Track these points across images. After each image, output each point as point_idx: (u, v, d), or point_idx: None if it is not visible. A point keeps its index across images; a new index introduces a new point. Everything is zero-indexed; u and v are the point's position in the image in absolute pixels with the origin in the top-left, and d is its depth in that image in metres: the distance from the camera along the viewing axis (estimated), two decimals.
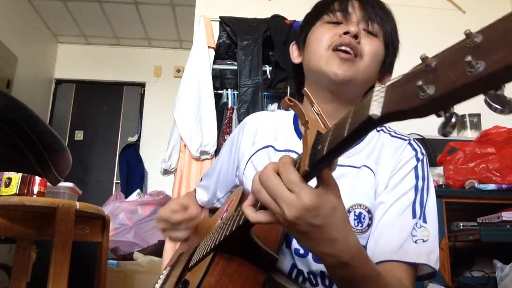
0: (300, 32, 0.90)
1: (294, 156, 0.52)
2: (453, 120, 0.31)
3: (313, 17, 0.87)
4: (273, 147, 0.86)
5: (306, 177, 0.47)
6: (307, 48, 0.85)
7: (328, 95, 0.82)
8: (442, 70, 0.30)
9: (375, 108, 0.36)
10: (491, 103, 0.29)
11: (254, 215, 0.54)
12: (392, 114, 0.34)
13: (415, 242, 0.70)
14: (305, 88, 0.53)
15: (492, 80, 0.27)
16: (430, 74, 0.31)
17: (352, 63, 0.77)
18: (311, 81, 0.86)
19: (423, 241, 0.70)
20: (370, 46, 0.79)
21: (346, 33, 0.77)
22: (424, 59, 0.32)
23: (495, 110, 0.29)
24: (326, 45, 0.79)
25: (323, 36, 0.81)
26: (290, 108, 0.53)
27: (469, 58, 0.28)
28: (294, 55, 0.91)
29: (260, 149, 0.87)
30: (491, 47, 0.27)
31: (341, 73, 0.76)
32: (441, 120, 0.33)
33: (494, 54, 0.27)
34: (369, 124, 0.37)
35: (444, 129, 0.32)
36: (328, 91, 0.81)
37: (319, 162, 0.44)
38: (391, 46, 0.84)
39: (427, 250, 0.70)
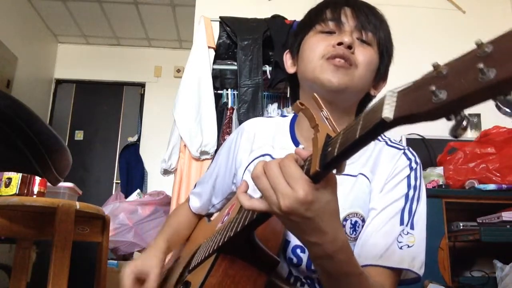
0: (293, 40, 0.89)
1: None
2: (464, 122, 0.33)
3: (306, 26, 0.85)
4: (270, 155, 0.85)
5: (315, 178, 0.48)
6: (301, 58, 0.84)
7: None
8: (454, 76, 0.32)
9: (388, 112, 0.37)
10: (501, 106, 0.31)
11: (248, 202, 0.55)
12: (404, 117, 0.36)
13: (400, 248, 0.71)
14: (314, 94, 0.54)
15: (503, 86, 0.29)
16: (442, 80, 0.33)
17: (346, 71, 0.76)
18: (305, 90, 0.85)
19: (408, 246, 0.71)
20: (364, 56, 0.78)
21: (339, 43, 0.77)
22: (436, 66, 0.34)
23: (504, 113, 0.31)
24: (320, 55, 0.78)
25: (317, 46, 0.80)
26: (301, 112, 0.54)
27: (481, 65, 0.30)
28: (288, 64, 0.90)
29: (257, 157, 0.86)
30: (501, 56, 0.29)
31: (336, 80, 0.76)
32: (443, 121, 0.34)
33: (505, 62, 0.29)
34: (381, 127, 0.39)
35: (456, 131, 0.34)
36: (323, 100, 0.81)
37: (330, 163, 0.46)
38: (385, 53, 0.84)
39: (411, 255, 0.71)
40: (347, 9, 0.81)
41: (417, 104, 0.35)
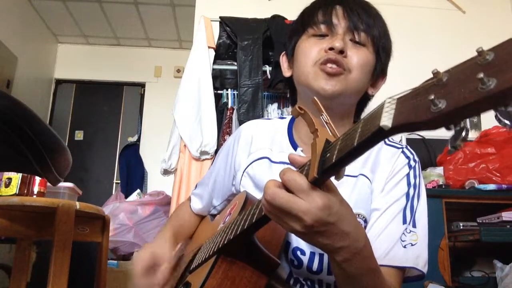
0: (288, 42, 0.88)
1: (290, 167, 0.53)
2: (463, 134, 0.32)
3: (299, 28, 0.85)
4: (269, 158, 0.85)
5: (315, 184, 0.48)
6: (295, 62, 0.84)
7: None
8: (453, 85, 0.31)
9: (386, 120, 0.37)
10: (501, 119, 0.30)
11: None
12: (402, 125, 0.35)
13: (404, 247, 0.71)
14: (314, 97, 0.54)
15: (503, 97, 0.28)
16: (442, 88, 0.32)
17: (339, 77, 0.76)
18: (301, 94, 0.85)
19: (412, 245, 0.72)
20: (358, 58, 0.77)
21: (331, 48, 0.76)
22: (435, 73, 0.33)
23: (504, 125, 0.30)
24: (313, 61, 0.78)
25: (310, 52, 0.79)
26: (300, 116, 0.53)
27: (481, 75, 0.28)
28: (284, 67, 0.90)
29: (255, 160, 0.86)
30: (502, 65, 0.28)
31: (329, 88, 0.75)
32: (451, 133, 0.33)
33: (506, 72, 0.27)
34: (379, 135, 0.38)
35: (455, 142, 0.33)
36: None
37: (328, 169, 0.45)
38: (381, 51, 0.82)
39: (415, 253, 0.71)
40: (338, 8, 0.80)
41: (415, 112, 0.34)
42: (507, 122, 0.29)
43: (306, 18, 0.84)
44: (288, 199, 0.49)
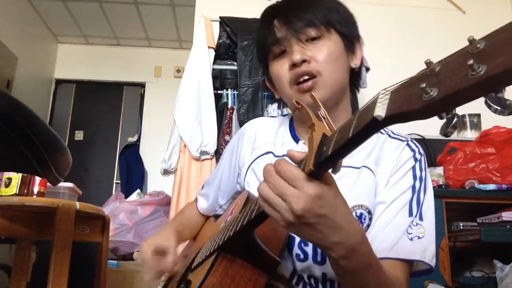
0: (263, 63, 0.89)
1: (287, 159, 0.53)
2: (455, 121, 0.33)
3: (263, 50, 0.85)
4: (272, 153, 0.86)
5: (312, 177, 0.48)
6: (275, 85, 0.86)
7: None
8: (445, 73, 0.32)
9: (380, 110, 0.37)
10: (491, 104, 0.30)
11: None
12: (396, 115, 0.36)
13: (411, 239, 0.71)
14: (311, 92, 0.55)
15: (493, 83, 0.29)
16: (434, 77, 0.33)
17: (315, 86, 0.77)
18: None
19: (419, 237, 0.71)
20: (321, 55, 0.78)
21: (294, 65, 0.77)
22: (428, 64, 0.34)
23: (494, 111, 0.30)
24: (287, 84, 0.80)
25: (280, 75, 0.81)
26: (297, 111, 0.54)
27: (471, 61, 0.29)
28: (273, 90, 0.91)
29: (260, 156, 0.87)
30: (492, 52, 0.29)
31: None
32: (442, 121, 0.34)
33: (495, 58, 0.28)
34: (373, 126, 0.39)
35: (446, 129, 0.33)
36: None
37: (324, 162, 0.46)
38: (340, 25, 0.81)
39: (422, 246, 0.71)
40: (276, 22, 0.80)
41: (408, 102, 0.34)
42: (497, 107, 0.30)
43: (262, 44, 0.85)
44: (282, 181, 0.49)
